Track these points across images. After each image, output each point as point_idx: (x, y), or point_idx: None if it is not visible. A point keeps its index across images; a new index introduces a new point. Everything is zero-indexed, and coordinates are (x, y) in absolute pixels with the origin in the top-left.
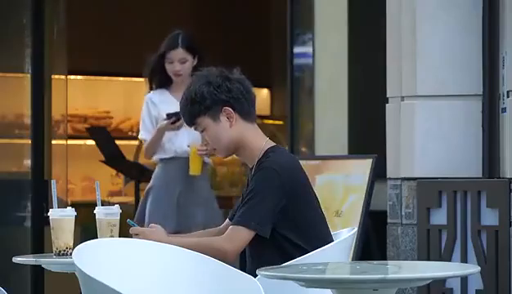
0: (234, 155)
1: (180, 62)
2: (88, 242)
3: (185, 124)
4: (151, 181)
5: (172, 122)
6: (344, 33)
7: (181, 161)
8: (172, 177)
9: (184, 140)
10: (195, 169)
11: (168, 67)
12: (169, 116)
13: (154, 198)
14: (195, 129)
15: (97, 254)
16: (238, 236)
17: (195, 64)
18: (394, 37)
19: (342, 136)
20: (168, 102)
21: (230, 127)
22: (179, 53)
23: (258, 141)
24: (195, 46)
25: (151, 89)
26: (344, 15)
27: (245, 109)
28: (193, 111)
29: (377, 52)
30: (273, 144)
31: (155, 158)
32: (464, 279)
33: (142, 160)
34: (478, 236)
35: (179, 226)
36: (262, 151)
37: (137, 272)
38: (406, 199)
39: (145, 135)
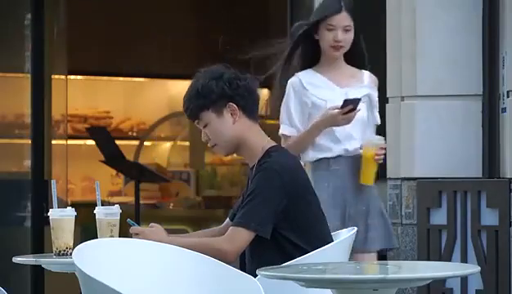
0: (234, 155)
1: (343, 30)
2: (88, 242)
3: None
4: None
5: (345, 112)
6: None
7: (349, 161)
8: (335, 185)
9: (354, 132)
10: (368, 178)
11: (325, 36)
12: (347, 103)
13: None
14: (197, 124)
15: (97, 254)
16: (238, 237)
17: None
18: (394, 37)
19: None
20: (322, 86)
21: (233, 124)
22: (343, 18)
23: (260, 140)
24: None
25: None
26: None
27: (249, 107)
28: (198, 105)
29: (377, 52)
30: (274, 143)
31: (306, 158)
32: (464, 279)
33: (142, 160)
34: (478, 236)
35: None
36: (263, 150)
37: (137, 272)
38: (406, 199)
39: (287, 129)
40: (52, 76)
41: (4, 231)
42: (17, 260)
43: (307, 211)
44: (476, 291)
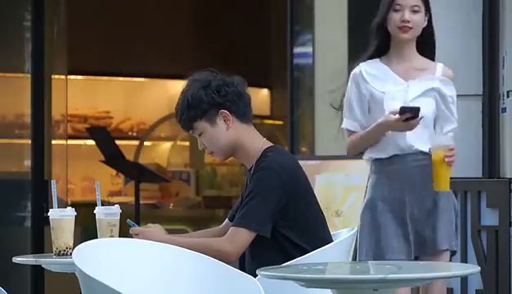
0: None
1: (411, 10)
2: (88, 242)
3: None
4: (366, 195)
5: (406, 119)
6: (344, 33)
7: (407, 159)
8: (395, 186)
9: (415, 133)
10: (442, 183)
11: (393, 17)
12: (404, 110)
13: (371, 219)
14: (192, 133)
15: (97, 254)
16: (239, 237)
17: (424, 25)
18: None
19: (342, 136)
20: (382, 77)
21: (227, 130)
22: None
23: (256, 142)
24: None
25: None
26: (344, 14)
27: (241, 111)
28: (190, 116)
29: None
30: (271, 144)
31: (367, 156)
32: (464, 279)
33: (142, 160)
34: (478, 236)
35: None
36: (259, 151)
37: (137, 272)
38: None
39: (350, 124)
40: (52, 76)
41: (4, 231)
42: (17, 260)
43: (307, 212)
44: (476, 291)
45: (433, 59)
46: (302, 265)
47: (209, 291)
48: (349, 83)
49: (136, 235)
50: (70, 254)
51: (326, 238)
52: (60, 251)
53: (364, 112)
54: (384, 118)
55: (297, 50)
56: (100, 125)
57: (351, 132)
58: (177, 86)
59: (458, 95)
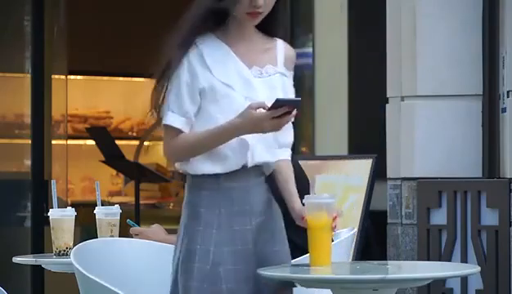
0: None
1: None
2: (87, 241)
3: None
4: (191, 216)
5: (277, 116)
6: (344, 33)
7: (254, 173)
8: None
9: (264, 141)
10: (323, 257)
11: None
12: (280, 103)
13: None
14: None
15: (97, 254)
16: None
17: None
18: (394, 37)
19: (342, 136)
20: (226, 63)
21: None
22: None
23: None
24: None
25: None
26: (344, 15)
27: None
28: None
29: (377, 52)
30: None
31: (187, 168)
32: (464, 279)
33: (142, 160)
34: (478, 236)
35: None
36: None
37: (137, 272)
38: (406, 199)
39: (176, 120)
40: (52, 76)
41: (4, 231)
42: (17, 260)
43: None
44: (476, 291)
45: (272, 35)
46: (302, 265)
47: None
48: (180, 67)
49: (137, 235)
50: None
51: None
52: (60, 251)
53: (194, 105)
54: (244, 114)
55: (297, 50)
56: (100, 125)
57: (176, 132)
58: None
59: (458, 95)
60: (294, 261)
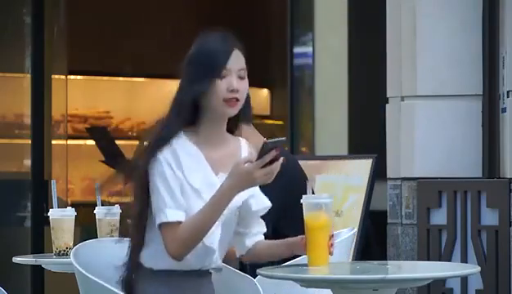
0: None
1: (238, 76)
2: (88, 241)
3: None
4: None
5: (265, 164)
6: (344, 33)
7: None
8: None
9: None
10: (321, 256)
11: (218, 86)
12: (270, 147)
13: None
14: None
15: (97, 254)
16: None
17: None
18: (394, 37)
19: (342, 136)
20: (194, 168)
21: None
22: (238, 59)
23: (256, 141)
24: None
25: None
26: (344, 15)
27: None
28: None
29: (377, 52)
30: None
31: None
32: (464, 279)
33: None
34: (478, 236)
35: None
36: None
37: None
38: (406, 199)
39: (176, 214)
40: (52, 76)
41: (4, 231)
42: (17, 260)
43: None
44: (476, 291)
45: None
46: (302, 265)
47: None
48: (159, 165)
49: None
50: None
51: None
52: (60, 251)
53: (182, 195)
54: (234, 172)
55: (297, 50)
56: (100, 125)
57: (177, 225)
58: (177, 87)
59: (458, 95)
60: (294, 261)
